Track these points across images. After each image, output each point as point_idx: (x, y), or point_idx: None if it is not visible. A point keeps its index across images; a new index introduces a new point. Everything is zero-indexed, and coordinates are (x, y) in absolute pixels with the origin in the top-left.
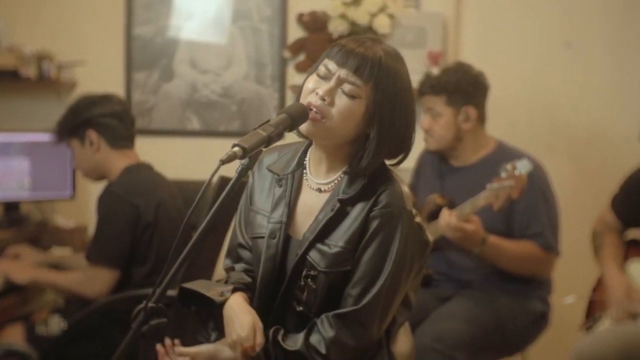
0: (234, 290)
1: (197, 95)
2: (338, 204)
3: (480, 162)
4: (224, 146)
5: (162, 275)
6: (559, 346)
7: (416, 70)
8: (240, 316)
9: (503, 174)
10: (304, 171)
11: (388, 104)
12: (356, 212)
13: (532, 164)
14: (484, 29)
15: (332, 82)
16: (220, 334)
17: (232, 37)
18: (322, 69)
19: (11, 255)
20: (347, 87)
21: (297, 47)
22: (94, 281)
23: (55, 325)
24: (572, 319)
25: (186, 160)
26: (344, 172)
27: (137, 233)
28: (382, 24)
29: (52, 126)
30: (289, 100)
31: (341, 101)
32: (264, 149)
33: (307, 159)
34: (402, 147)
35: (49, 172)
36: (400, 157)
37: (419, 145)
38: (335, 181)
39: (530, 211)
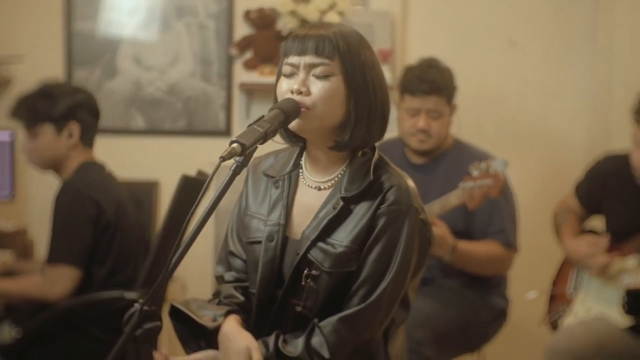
0: (227, 313)
1: (141, 93)
2: (341, 202)
3: (439, 157)
4: (170, 145)
5: (161, 277)
6: (514, 342)
7: None
8: (234, 343)
9: (475, 173)
10: (300, 171)
11: (359, 73)
12: (362, 210)
13: (507, 163)
14: (431, 27)
15: (301, 73)
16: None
17: (178, 33)
18: (286, 68)
19: None
20: (317, 70)
21: (245, 44)
22: (55, 282)
23: (6, 333)
24: (527, 315)
25: (130, 159)
26: (345, 168)
27: (99, 230)
28: (332, 20)
29: None
30: (236, 98)
31: (317, 86)
32: (259, 145)
33: (303, 159)
34: (383, 118)
35: None
36: (382, 131)
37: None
38: (336, 178)
39: (491, 209)
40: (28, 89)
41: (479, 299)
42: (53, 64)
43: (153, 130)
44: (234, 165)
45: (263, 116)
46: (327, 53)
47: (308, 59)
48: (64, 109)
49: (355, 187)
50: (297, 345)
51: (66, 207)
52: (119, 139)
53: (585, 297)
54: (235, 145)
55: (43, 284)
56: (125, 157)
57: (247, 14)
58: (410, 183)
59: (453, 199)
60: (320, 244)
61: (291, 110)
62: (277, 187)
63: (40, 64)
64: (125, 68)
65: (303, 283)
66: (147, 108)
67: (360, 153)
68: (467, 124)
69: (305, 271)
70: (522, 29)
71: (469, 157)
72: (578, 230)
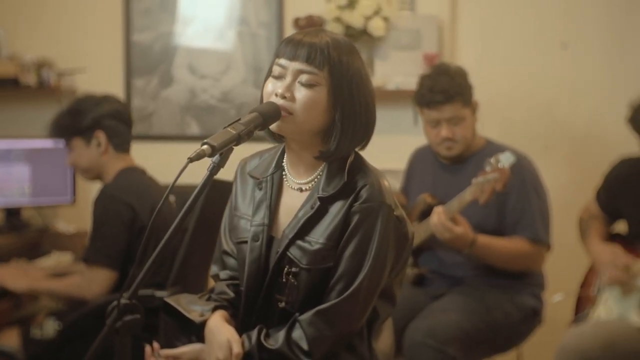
0: (215, 309)
1: (196, 100)
2: (318, 202)
3: (470, 157)
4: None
5: (142, 272)
6: (555, 343)
7: (412, 73)
8: (217, 336)
9: (487, 168)
10: (283, 172)
11: (346, 86)
12: (336, 208)
13: (515, 156)
14: (480, 30)
15: (289, 78)
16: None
17: (230, 42)
18: (276, 69)
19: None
20: (304, 77)
21: None
22: (93, 283)
23: (50, 328)
24: (568, 317)
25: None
26: (323, 170)
27: (134, 234)
28: (376, 26)
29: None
30: None
31: (301, 93)
32: (234, 147)
33: (285, 160)
34: (367, 129)
35: (50, 177)
36: (365, 140)
37: (409, 147)
38: (315, 179)
39: (521, 205)
40: (59, 109)
41: (509, 299)
42: (114, 74)
43: (208, 136)
44: (211, 166)
45: (240, 118)
46: (317, 62)
47: (297, 65)
48: (88, 121)
49: (331, 187)
50: (278, 339)
51: (102, 211)
52: (175, 145)
53: (608, 298)
54: (205, 147)
55: (81, 284)
56: (181, 163)
57: (296, 21)
58: (384, 181)
59: (467, 195)
60: (299, 242)
61: (270, 114)
62: (260, 189)
63: (102, 74)
64: (181, 77)
65: (284, 280)
66: (202, 115)
67: None
68: (517, 127)
69: (286, 268)
70: (574, 30)
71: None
72: (604, 233)
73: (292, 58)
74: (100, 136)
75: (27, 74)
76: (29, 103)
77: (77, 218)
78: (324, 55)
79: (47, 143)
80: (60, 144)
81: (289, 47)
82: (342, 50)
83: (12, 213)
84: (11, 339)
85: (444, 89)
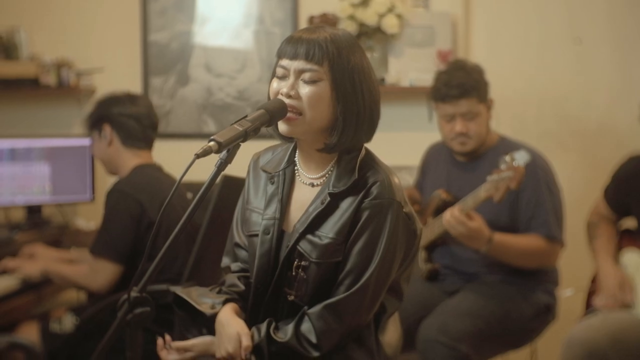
0: (225, 301)
1: (212, 98)
2: (329, 198)
3: (483, 154)
4: (240, 148)
5: (152, 265)
6: None
7: (426, 69)
8: (227, 329)
9: (502, 166)
10: (296, 168)
11: (348, 79)
12: (346, 204)
13: (530, 155)
14: (493, 27)
15: (291, 77)
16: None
17: (246, 41)
18: (279, 70)
19: (26, 254)
20: (306, 75)
21: None
22: (97, 274)
23: (69, 322)
24: (581, 311)
25: (203, 162)
26: (334, 165)
27: (142, 230)
28: (390, 24)
29: (71, 131)
30: None
31: (305, 90)
32: (241, 143)
33: (296, 156)
34: (372, 121)
35: (69, 176)
36: (371, 133)
37: (424, 143)
38: (326, 175)
39: (535, 202)
40: (78, 108)
41: (521, 295)
42: (132, 73)
43: None
44: (218, 162)
45: (247, 115)
46: (317, 59)
47: (298, 64)
48: (98, 114)
49: (342, 184)
50: (287, 332)
51: (112, 206)
52: (192, 143)
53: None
54: (211, 143)
55: (86, 274)
56: (198, 160)
57: (310, 20)
58: (394, 178)
59: (482, 192)
60: (309, 236)
61: (276, 111)
62: (272, 183)
63: (120, 74)
64: (197, 75)
65: (294, 273)
66: (218, 113)
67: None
68: (530, 123)
69: (296, 262)
70: (587, 26)
71: (510, 151)
72: (613, 237)
73: (293, 57)
74: (107, 129)
75: (47, 74)
76: (49, 103)
77: (96, 215)
78: (323, 50)
79: (67, 142)
80: (80, 142)
81: (289, 46)
82: (341, 44)
83: (33, 210)
84: (30, 333)
85: (460, 83)
